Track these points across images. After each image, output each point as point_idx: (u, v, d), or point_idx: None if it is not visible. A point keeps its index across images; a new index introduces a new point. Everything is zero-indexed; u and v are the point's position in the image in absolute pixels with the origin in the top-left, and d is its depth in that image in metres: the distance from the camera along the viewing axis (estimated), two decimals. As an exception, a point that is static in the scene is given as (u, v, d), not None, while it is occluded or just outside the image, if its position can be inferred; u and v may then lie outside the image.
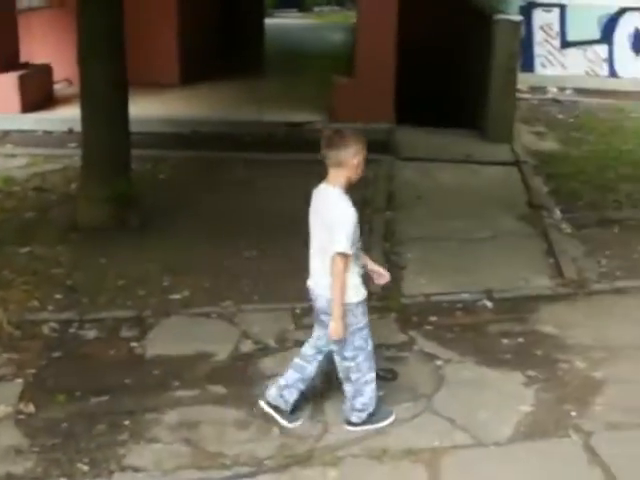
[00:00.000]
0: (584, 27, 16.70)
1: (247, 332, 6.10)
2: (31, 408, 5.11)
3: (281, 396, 5.00)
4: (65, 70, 12.09)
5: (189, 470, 4.60)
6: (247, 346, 5.92)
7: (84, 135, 8.09)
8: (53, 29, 12.92)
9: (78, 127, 8.28)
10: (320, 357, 4.98)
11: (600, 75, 16.83)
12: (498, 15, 11.48)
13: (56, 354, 5.79)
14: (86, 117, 7.98)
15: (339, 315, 4.67)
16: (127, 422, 4.99)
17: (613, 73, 16.83)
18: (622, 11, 16.60)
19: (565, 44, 16.87)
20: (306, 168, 9.62)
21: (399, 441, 4.84)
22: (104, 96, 7.84)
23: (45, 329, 6.10)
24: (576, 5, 16.61)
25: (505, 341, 6.06)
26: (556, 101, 14.90)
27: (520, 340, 6.08)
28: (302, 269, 7.01)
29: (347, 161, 4.68)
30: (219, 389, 5.38)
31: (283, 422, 4.99)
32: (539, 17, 16.77)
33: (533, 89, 15.42)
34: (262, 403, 5.07)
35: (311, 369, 5.00)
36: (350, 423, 4.95)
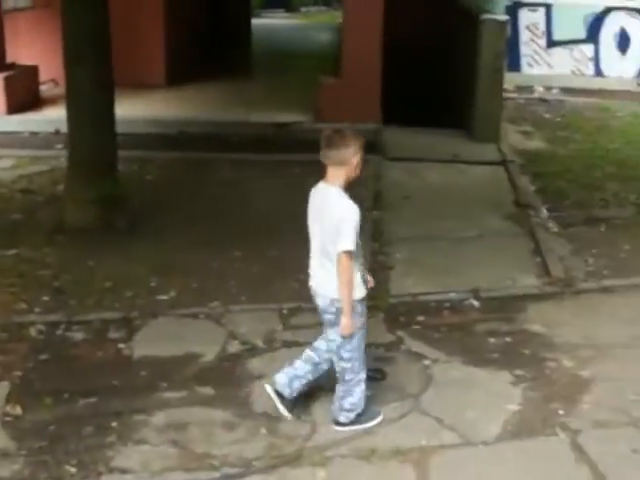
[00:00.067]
0: (570, 26, 16.73)
1: (235, 333, 6.10)
2: (18, 410, 5.09)
3: (289, 385, 5.01)
4: (51, 71, 12.06)
5: (177, 471, 4.59)
6: (235, 347, 5.92)
7: (70, 136, 8.07)
8: (39, 30, 12.87)
9: (64, 128, 8.27)
10: (331, 354, 5.00)
11: (586, 74, 16.86)
12: (484, 15, 11.49)
13: (43, 356, 5.77)
14: (72, 118, 7.96)
15: (349, 311, 4.71)
16: (115, 424, 4.98)
17: (599, 72, 16.86)
18: (608, 10, 16.63)
19: (551, 43, 16.89)
20: (293, 168, 9.67)
21: (387, 441, 4.84)
22: (90, 97, 7.82)
23: (32, 331, 6.08)
24: (562, 4, 16.64)
25: (492, 340, 6.08)
26: (543, 100, 14.95)
27: (507, 339, 6.09)
28: (290, 270, 7.07)
29: (348, 160, 4.70)
30: (207, 390, 5.37)
31: (283, 411, 5.01)
32: (525, 17, 16.79)
33: (520, 88, 15.46)
34: (268, 387, 5.07)
35: (324, 366, 5.03)
36: (338, 423, 4.95)
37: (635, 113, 13.78)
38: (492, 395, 5.34)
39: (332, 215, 4.69)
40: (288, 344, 5.93)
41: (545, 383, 5.49)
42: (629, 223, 8.59)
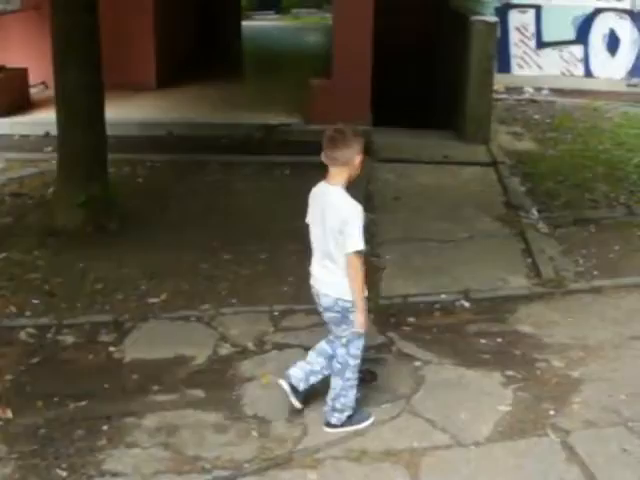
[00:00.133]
0: (559, 28, 16.80)
1: (225, 335, 6.10)
2: (9, 414, 5.08)
3: (306, 380, 5.04)
4: (41, 73, 12.02)
5: (168, 474, 4.58)
6: (226, 349, 5.92)
7: (60, 139, 8.06)
8: (28, 32, 12.83)
9: (55, 131, 8.23)
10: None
11: (576, 75, 16.93)
12: (474, 16, 11.51)
13: (34, 359, 5.76)
14: (62, 121, 7.95)
15: (362, 307, 4.77)
16: (106, 427, 4.97)
17: (589, 73, 16.94)
18: (597, 12, 16.71)
19: (541, 45, 16.96)
20: (284, 170, 9.67)
21: (378, 442, 4.85)
22: (80, 99, 7.82)
23: (23, 335, 6.07)
24: (551, 6, 16.71)
25: (483, 341, 6.09)
26: (532, 101, 14.96)
27: (498, 340, 6.10)
28: (280, 272, 7.08)
29: (350, 160, 4.74)
30: (198, 393, 5.37)
31: (296, 403, 5.05)
32: (515, 18, 16.85)
33: (510, 89, 15.48)
34: (282, 382, 5.09)
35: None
36: (329, 425, 4.96)
37: (625, 114, 13.82)
38: (483, 396, 5.35)
39: (335, 215, 4.70)
40: (279, 346, 5.94)
41: (536, 383, 5.50)
42: (619, 224, 8.61)
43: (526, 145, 11.85)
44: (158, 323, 6.32)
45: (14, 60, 12.37)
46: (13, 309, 6.45)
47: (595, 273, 7.32)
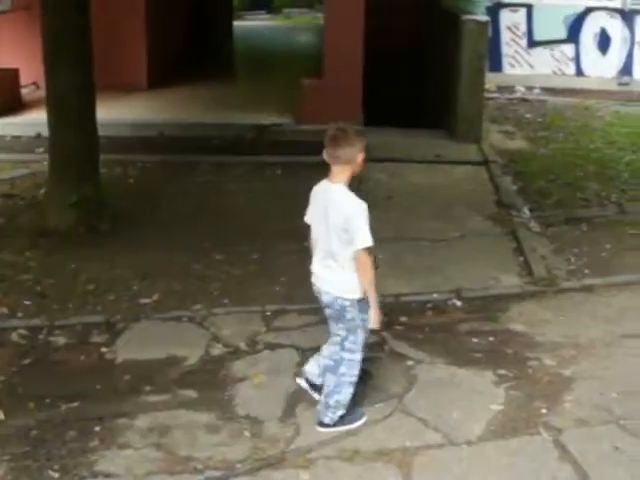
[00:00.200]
0: (551, 27, 16.82)
1: (218, 335, 6.09)
2: (1, 415, 5.07)
3: (322, 374, 5.07)
4: (32, 74, 11.99)
5: (161, 475, 4.58)
6: (218, 349, 5.91)
7: (51, 140, 8.04)
8: (19, 33, 12.79)
9: (46, 132, 8.22)
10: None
11: (567, 74, 16.96)
12: (465, 16, 11.52)
13: (26, 361, 5.75)
14: (53, 121, 7.93)
15: (376, 304, 4.82)
16: (98, 428, 4.97)
17: (580, 72, 16.96)
18: (588, 11, 16.73)
19: (532, 44, 16.98)
20: (275, 170, 9.67)
21: (371, 442, 4.85)
22: (71, 100, 7.80)
23: (14, 336, 6.06)
24: (542, 5, 16.73)
25: (475, 340, 6.09)
26: (524, 100, 14.98)
27: (490, 339, 6.11)
28: (272, 271, 7.07)
29: (353, 159, 4.77)
30: (190, 393, 5.37)
31: (316, 395, 5.10)
32: (506, 17, 16.87)
33: (501, 89, 15.49)
34: (300, 381, 5.18)
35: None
36: (322, 424, 4.96)
37: (616, 112, 13.85)
38: (475, 395, 5.36)
39: (338, 213, 4.71)
40: (271, 346, 5.94)
41: (528, 382, 5.51)
42: (610, 222, 8.63)
43: (518, 144, 11.86)
44: (150, 324, 6.31)
45: (5, 61, 12.35)
46: (5, 310, 6.43)
47: (587, 272, 7.34)
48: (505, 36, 16.94)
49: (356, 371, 4.96)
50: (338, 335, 4.95)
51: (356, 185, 9.16)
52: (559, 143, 11.84)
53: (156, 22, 13.79)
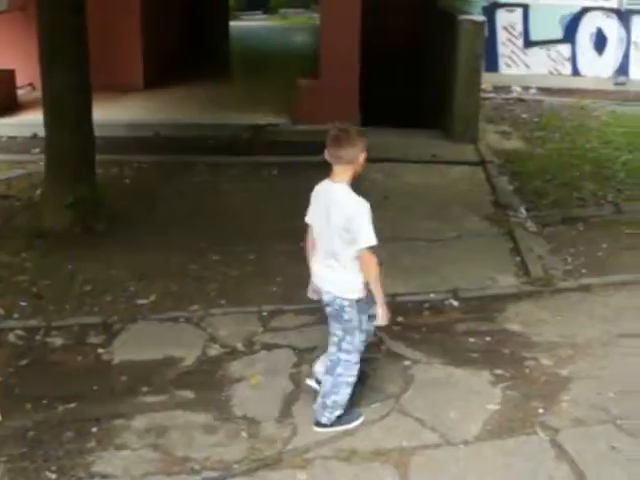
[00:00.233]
0: (547, 27, 16.81)
1: (214, 336, 6.09)
2: (-3, 417, 5.08)
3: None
4: (28, 75, 11.97)
5: (158, 476, 4.58)
6: (215, 350, 5.91)
7: (47, 140, 8.03)
8: (15, 33, 12.79)
9: (42, 132, 8.22)
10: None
11: (563, 74, 16.96)
12: (461, 16, 11.52)
13: (23, 362, 5.74)
14: (49, 122, 7.93)
15: (383, 301, 4.83)
16: (95, 429, 4.97)
17: (576, 72, 16.96)
18: (584, 11, 16.73)
19: (528, 44, 16.97)
20: (271, 170, 9.66)
21: (368, 442, 4.85)
22: (67, 101, 7.79)
23: (11, 337, 6.05)
24: (539, 5, 16.73)
25: (472, 340, 6.09)
26: (520, 100, 14.98)
27: (487, 339, 6.11)
28: (269, 272, 7.07)
29: (355, 159, 4.77)
30: (187, 394, 5.37)
31: None
32: (502, 17, 16.86)
33: (497, 89, 15.49)
34: (310, 382, 5.20)
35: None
36: (319, 425, 4.96)
37: (612, 112, 13.85)
38: (472, 395, 5.36)
39: (340, 212, 4.71)
40: (268, 346, 5.93)
41: (524, 382, 5.52)
42: (607, 222, 8.63)
43: (514, 144, 11.86)
44: (147, 324, 6.30)
45: (1, 61, 12.32)
46: (1, 311, 6.43)
47: (583, 271, 7.34)
48: (501, 36, 16.93)
49: (354, 372, 4.97)
50: (336, 335, 4.96)
51: (352, 186, 9.23)
52: (555, 143, 11.85)
53: (152, 22, 13.78)
